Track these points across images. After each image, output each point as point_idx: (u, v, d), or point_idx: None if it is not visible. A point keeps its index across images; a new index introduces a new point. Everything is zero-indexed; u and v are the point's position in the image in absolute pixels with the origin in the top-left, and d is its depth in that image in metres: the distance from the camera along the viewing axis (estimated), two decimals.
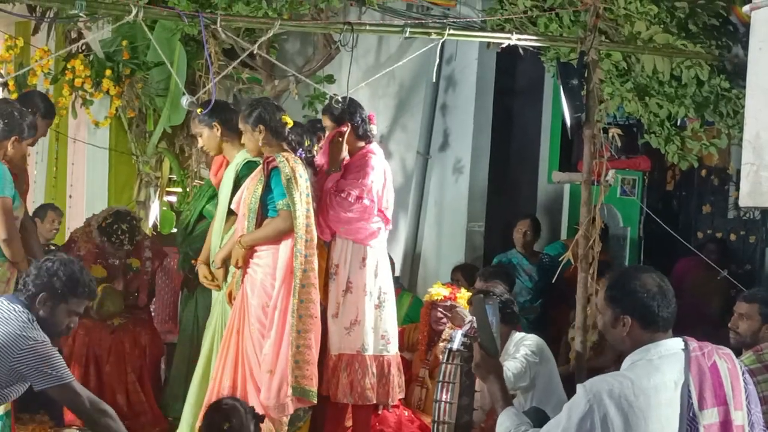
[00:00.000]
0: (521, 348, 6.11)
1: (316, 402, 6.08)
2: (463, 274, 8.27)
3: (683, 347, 3.58)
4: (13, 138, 6.24)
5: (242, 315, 6.07)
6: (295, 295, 5.94)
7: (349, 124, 6.53)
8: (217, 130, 6.51)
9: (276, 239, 6.04)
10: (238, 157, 6.49)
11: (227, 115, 6.55)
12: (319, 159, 6.64)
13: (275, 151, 6.13)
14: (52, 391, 4.46)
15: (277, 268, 6.03)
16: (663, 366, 3.53)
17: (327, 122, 6.59)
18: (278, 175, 6.00)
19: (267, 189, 6.07)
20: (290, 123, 6.23)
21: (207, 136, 6.56)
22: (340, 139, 6.53)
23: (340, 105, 6.52)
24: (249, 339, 6.02)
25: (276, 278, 6.02)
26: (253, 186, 6.13)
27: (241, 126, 6.28)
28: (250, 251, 6.11)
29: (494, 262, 8.65)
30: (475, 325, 5.83)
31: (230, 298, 6.25)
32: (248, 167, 6.38)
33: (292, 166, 6.01)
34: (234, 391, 5.97)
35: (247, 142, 6.25)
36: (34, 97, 7.08)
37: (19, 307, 4.50)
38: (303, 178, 6.05)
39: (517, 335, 6.27)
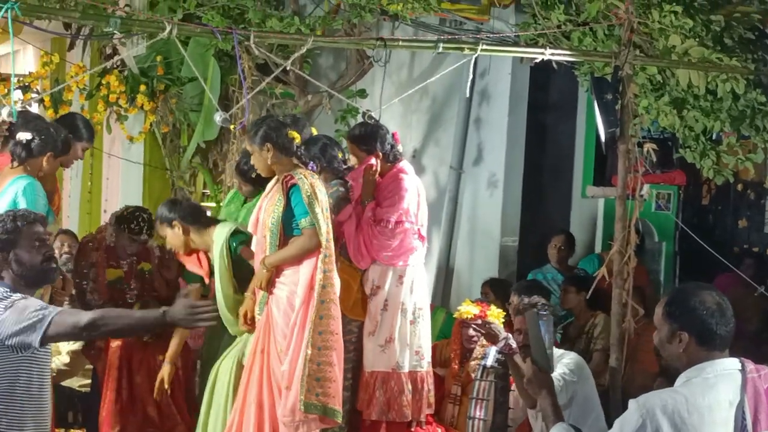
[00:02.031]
0: (559, 366, 6.04)
1: (340, 421, 6.00)
2: (492, 289, 8.21)
3: (740, 368, 3.55)
4: (48, 154, 6.28)
5: (267, 334, 5.99)
6: (314, 312, 5.85)
7: (379, 154, 6.50)
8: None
9: (301, 258, 5.96)
10: (219, 234, 6.39)
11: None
12: (354, 189, 6.59)
13: (287, 168, 5.99)
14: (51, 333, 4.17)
15: (299, 285, 5.94)
16: (718, 385, 3.50)
17: (355, 151, 6.55)
18: (298, 193, 5.87)
19: (287, 208, 5.95)
20: (298, 138, 6.08)
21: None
22: (372, 171, 6.50)
23: (372, 120, 6.52)
24: (275, 358, 5.95)
25: (298, 295, 5.94)
26: (271, 206, 5.99)
27: (248, 147, 6.17)
28: (275, 272, 6.00)
29: (529, 278, 8.61)
30: (510, 342, 5.81)
31: (245, 318, 6.16)
32: (240, 238, 6.34)
33: (311, 182, 5.90)
34: (260, 410, 5.94)
35: (256, 162, 6.11)
36: (75, 119, 7.11)
37: None
38: (322, 193, 5.97)
39: (557, 352, 6.21)
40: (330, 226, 5.99)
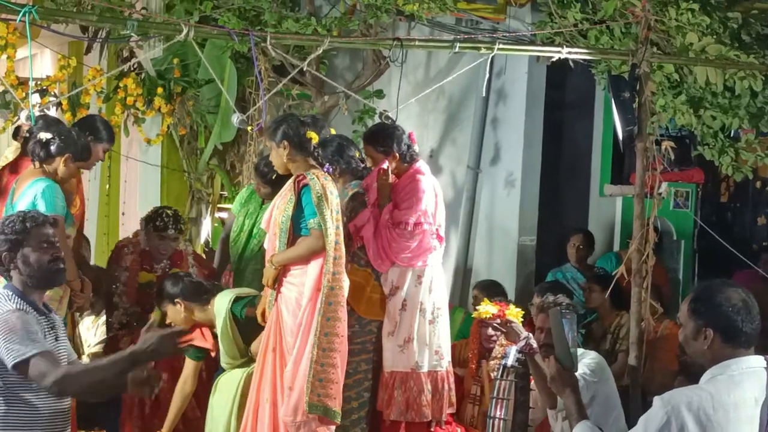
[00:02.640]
0: (580, 366, 6.00)
1: (339, 422, 6.01)
2: (482, 292, 8.02)
3: (765, 365, 3.55)
4: (66, 156, 6.31)
5: (277, 333, 6.01)
6: (320, 313, 5.86)
7: (395, 155, 6.49)
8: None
9: (308, 258, 5.99)
10: (219, 305, 6.40)
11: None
12: (368, 194, 6.58)
13: (302, 168, 6.03)
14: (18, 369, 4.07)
15: (306, 285, 5.97)
16: (744, 382, 3.50)
17: (371, 152, 6.54)
18: (309, 193, 5.90)
19: (298, 207, 5.98)
20: (316, 138, 6.09)
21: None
22: (385, 176, 6.50)
23: (389, 121, 6.52)
24: (287, 356, 5.99)
25: (305, 295, 5.96)
26: (283, 204, 6.03)
27: (266, 143, 6.22)
28: (283, 270, 6.03)
29: (548, 277, 8.59)
30: (531, 341, 5.80)
31: (263, 317, 6.19)
32: (241, 305, 6.37)
33: (323, 183, 5.92)
34: (275, 408, 5.96)
35: (273, 159, 6.16)
36: (95, 121, 7.13)
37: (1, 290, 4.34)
38: (333, 195, 5.98)
39: (578, 351, 6.19)
40: (341, 228, 6.00)
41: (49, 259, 4.34)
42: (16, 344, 4.05)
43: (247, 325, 6.34)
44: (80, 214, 6.96)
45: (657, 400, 3.52)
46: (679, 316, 3.67)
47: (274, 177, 6.63)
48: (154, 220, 7.27)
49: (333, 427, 6.02)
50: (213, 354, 6.55)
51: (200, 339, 6.55)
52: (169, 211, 7.31)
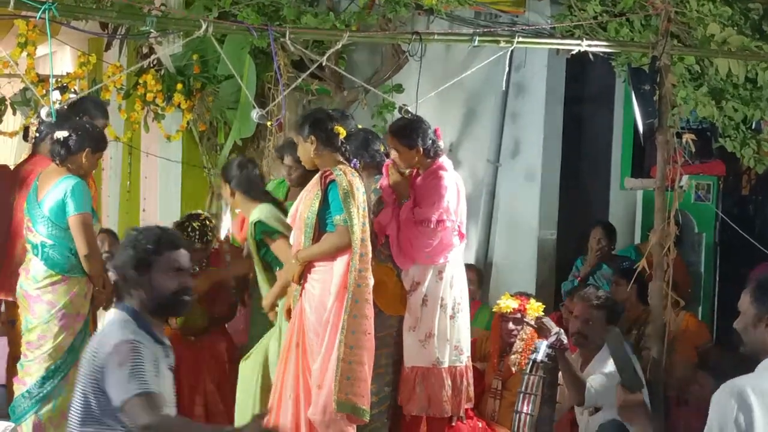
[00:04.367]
0: (609, 364, 5.99)
1: (367, 420, 5.98)
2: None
3: None
4: (86, 149, 6.34)
5: (301, 330, 6.00)
6: (347, 311, 5.84)
7: (419, 149, 6.44)
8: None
9: (333, 255, 5.96)
10: (252, 215, 6.41)
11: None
12: (385, 194, 6.57)
13: (328, 162, 6.00)
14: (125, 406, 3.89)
15: (332, 283, 5.94)
16: None
17: (396, 145, 6.51)
18: (335, 189, 5.88)
19: (324, 203, 5.95)
20: (343, 133, 6.07)
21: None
22: (395, 174, 6.48)
23: (408, 115, 6.50)
24: (310, 354, 5.98)
25: (331, 293, 5.94)
26: (309, 200, 6.01)
27: (294, 137, 6.21)
28: (307, 266, 6.01)
29: (574, 270, 8.63)
30: (561, 337, 5.79)
31: (288, 314, 6.18)
32: (261, 227, 6.36)
33: (350, 179, 5.89)
34: (297, 404, 5.96)
35: (300, 153, 6.15)
36: (84, 103, 7.12)
37: (119, 311, 4.12)
38: (360, 191, 5.95)
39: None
40: (367, 225, 5.97)
41: (176, 288, 4.09)
42: (125, 380, 3.84)
43: (265, 252, 6.39)
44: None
45: (720, 391, 3.50)
46: (740, 304, 3.67)
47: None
48: (181, 232, 7.26)
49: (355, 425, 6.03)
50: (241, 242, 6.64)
51: (237, 228, 6.75)
52: (195, 224, 7.23)
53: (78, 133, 6.33)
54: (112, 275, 6.42)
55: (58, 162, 6.34)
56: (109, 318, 4.17)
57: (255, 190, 6.53)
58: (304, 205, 6.05)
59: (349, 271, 5.87)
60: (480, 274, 8.78)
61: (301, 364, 5.98)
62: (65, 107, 6.56)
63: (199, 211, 7.78)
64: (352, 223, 5.85)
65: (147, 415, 3.83)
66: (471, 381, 6.62)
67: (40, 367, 6.31)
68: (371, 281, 5.98)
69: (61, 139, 6.29)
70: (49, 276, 6.30)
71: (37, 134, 6.90)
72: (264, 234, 6.34)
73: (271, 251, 6.38)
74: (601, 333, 6.12)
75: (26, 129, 7.35)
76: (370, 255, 6.01)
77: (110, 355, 3.88)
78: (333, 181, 5.91)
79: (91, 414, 3.96)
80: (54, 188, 6.26)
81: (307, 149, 6.05)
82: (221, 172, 6.63)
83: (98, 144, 6.46)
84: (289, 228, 6.27)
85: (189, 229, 7.22)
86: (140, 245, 4.08)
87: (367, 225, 5.98)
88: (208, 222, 7.40)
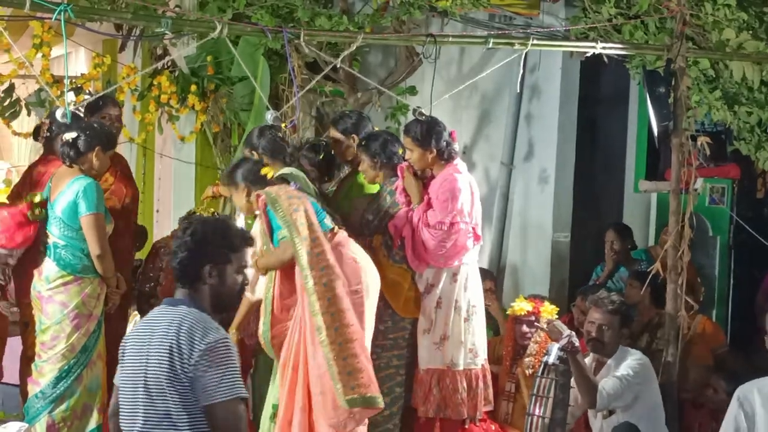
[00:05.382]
0: (623, 367, 5.97)
1: (382, 407, 5.91)
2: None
3: None
4: (96, 149, 6.36)
5: (298, 351, 6.01)
6: (324, 311, 5.75)
7: (432, 149, 6.43)
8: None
9: (284, 264, 5.99)
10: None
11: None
12: (399, 197, 6.57)
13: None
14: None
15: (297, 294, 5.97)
16: None
17: (409, 145, 6.51)
18: (270, 212, 5.95)
19: (268, 224, 6.08)
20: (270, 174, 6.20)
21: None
22: (414, 176, 6.47)
23: (422, 117, 6.50)
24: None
25: (297, 303, 5.98)
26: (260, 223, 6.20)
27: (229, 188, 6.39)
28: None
29: (594, 277, 8.62)
30: (573, 339, 5.77)
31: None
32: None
33: (278, 193, 5.95)
34: (310, 413, 5.94)
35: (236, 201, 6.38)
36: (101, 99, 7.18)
37: (185, 306, 3.93)
38: (301, 196, 5.99)
39: (625, 351, 6.15)
40: (316, 224, 5.88)
41: (240, 286, 4.06)
42: (221, 380, 3.73)
43: None
44: (132, 203, 7.06)
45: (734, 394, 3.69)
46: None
47: (321, 157, 6.76)
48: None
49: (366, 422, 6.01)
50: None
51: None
52: (204, 214, 7.32)
53: (86, 133, 6.35)
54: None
55: (68, 163, 6.36)
56: (167, 313, 3.91)
57: (282, 152, 6.51)
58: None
59: (305, 276, 5.80)
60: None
61: (302, 379, 5.97)
62: (80, 108, 6.56)
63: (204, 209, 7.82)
64: (293, 236, 5.82)
65: (241, 423, 3.75)
66: (489, 383, 6.62)
67: (54, 367, 6.33)
68: (340, 278, 5.85)
69: (70, 140, 6.30)
70: (61, 276, 6.32)
71: (48, 134, 6.92)
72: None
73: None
74: (617, 338, 6.11)
75: (37, 128, 7.36)
76: (328, 251, 5.86)
77: (205, 353, 3.74)
78: (266, 204, 5.96)
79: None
80: (66, 189, 6.28)
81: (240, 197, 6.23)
82: (246, 144, 6.65)
83: (108, 142, 6.47)
84: (311, 190, 6.27)
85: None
86: (220, 237, 3.99)
87: (316, 224, 5.89)
88: (216, 214, 7.44)
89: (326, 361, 5.76)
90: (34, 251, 6.56)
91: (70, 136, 6.30)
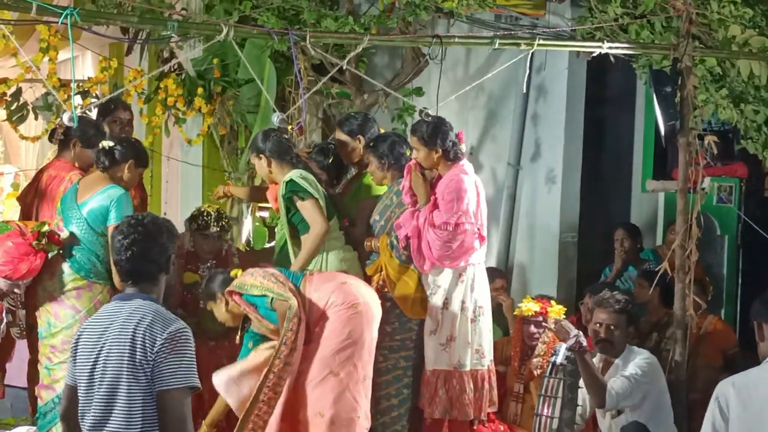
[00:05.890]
0: (631, 366, 5.96)
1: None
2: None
3: None
4: (129, 162, 6.39)
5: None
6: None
7: (438, 149, 6.43)
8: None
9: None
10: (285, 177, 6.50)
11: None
12: (405, 197, 6.57)
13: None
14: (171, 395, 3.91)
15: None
16: None
17: (415, 144, 6.51)
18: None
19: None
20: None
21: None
22: (423, 176, 6.47)
23: (429, 119, 6.49)
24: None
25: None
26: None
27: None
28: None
29: (602, 277, 8.61)
30: (580, 339, 5.77)
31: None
32: (291, 186, 6.42)
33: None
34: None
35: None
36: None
37: (141, 300, 4.05)
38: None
39: (632, 350, 6.14)
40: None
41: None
42: (177, 368, 3.88)
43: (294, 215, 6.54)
44: (141, 207, 7.11)
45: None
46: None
47: (330, 161, 6.78)
48: (195, 219, 7.34)
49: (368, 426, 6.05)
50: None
51: (273, 196, 6.75)
52: (209, 210, 7.37)
53: (123, 144, 6.42)
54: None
55: (101, 169, 6.39)
56: (122, 307, 4.04)
57: (288, 154, 6.57)
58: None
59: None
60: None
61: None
62: (86, 112, 6.57)
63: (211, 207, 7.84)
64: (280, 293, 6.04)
65: (187, 411, 3.89)
66: (494, 384, 6.61)
67: None
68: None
69: (107, 148, 6.35)
70: (75, 280, 6.32)
71: (62, 137, 6.92)
72: (292, 193, 6.38)
73: (299, 213, 6.42)
74: (625, 337, 6.11)
75: (53, 130, 7.36)
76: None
77: (167, 341, 3.88)
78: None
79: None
80: (100, 193, 6.29)
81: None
82: (251, 149, 6.76)
83: (141, 159, 6.52)
84: (319, 192, 6.36)
85: (204, 214, 7.30)
86: (170, 231, 4.15)
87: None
88: (221, 211, 7.48)
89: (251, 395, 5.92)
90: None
91: (107, 143, 6.36)
